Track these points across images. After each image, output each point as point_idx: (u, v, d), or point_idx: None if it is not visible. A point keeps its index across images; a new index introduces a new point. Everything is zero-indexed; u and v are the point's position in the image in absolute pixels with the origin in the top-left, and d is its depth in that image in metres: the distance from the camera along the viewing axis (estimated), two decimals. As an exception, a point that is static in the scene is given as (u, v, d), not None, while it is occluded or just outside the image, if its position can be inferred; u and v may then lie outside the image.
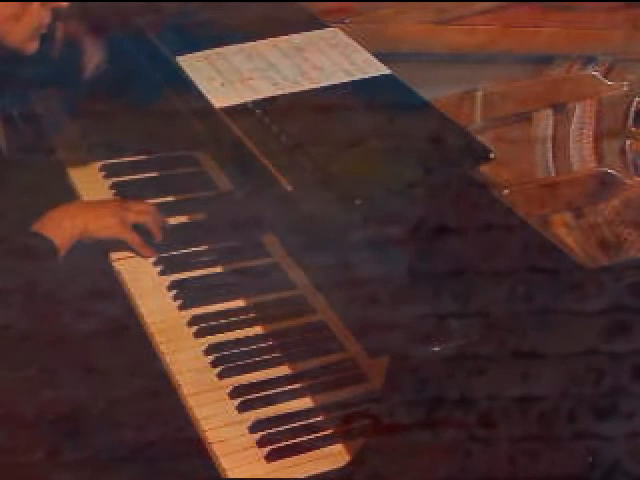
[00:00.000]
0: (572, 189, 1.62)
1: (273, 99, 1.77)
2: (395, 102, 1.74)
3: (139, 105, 2.05)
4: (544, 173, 1.65)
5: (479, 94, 1.84)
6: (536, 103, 1.81)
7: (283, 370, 1.70)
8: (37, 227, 1.86)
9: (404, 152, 1.60)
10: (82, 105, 2.20)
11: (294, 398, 1.64)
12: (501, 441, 1.42)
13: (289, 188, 1.63)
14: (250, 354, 1.72)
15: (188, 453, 1.60)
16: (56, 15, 1.86)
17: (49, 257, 1.83)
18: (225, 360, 1.71)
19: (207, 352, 1.73)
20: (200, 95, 1.81)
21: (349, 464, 1.49)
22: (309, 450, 1.55)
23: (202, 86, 1.83)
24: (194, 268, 1.92)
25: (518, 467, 1.42)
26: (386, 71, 1.83)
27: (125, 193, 2.11)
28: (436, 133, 1.63)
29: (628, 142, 1.70)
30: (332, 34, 1.97)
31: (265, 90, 1.79)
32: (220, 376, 1.69)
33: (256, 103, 1.76)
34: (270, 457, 1.54)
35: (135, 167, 2.19)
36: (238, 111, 1.76)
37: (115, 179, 2.16)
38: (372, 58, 1.87)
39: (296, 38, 1.96)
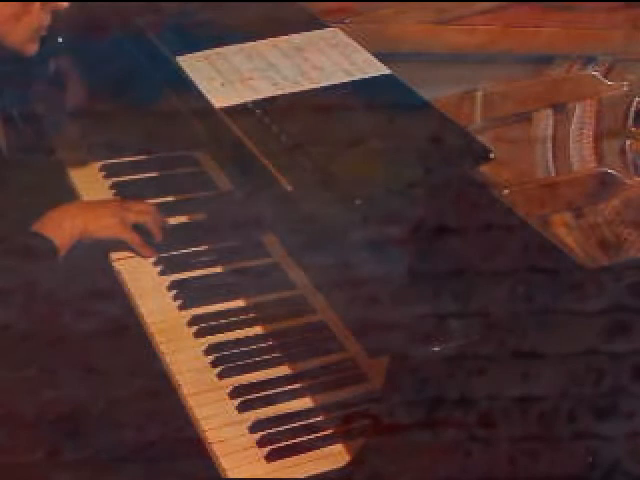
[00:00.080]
0: (572, 189, 1.62)
1: (273, 99, 1.77)
2: (395, 102, 1.74)
3: (139, 105, 2.05)
4: (544, 173, 1.65)
5: (479, 94, 1.84)
6: (536, 103, 1.81)
7: (283, 370, 1.70)
8: (37, 227, 1.86)
9: (404, 152, 1.60)
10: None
11: (294, 398, 1.64)
12: (501, 441, 1.42)
13: (289, 188, 1.63)
14: (250, 354, 1.72)
15: (188, 453, 1.60)
16: (56, 17, 1.86)
17: (49, 257, 1.83)
18: (225, 360, 1.71)
19: (207, 352, 1.73)
20: (200, 95, 1.81)
21: (349, 464, 1.49)
22: (309, 450, 1.55)
23: (202, 86, 1.83)
24: (194, 268, 1.92)
25: (518, 467, 1.42)
26: (386, 71, 1.83)
27: (125, 193, 2.11)
28: (436, 133, 1.63)
29: (628, 142, 1.70)
30: (332, 34, 1.97)
31: (265, 90, 1.79)
32: (220, 376, 1.68)
33: (256, 103, 1.76)
34: (270, 457, 1.54)
35: (135, 167, 2.19)
36: (238, 111, 1.76)
37: (115, 179, 2.16)
38: (372, 58, 1.87)
39: (296, 38, 1.96)
